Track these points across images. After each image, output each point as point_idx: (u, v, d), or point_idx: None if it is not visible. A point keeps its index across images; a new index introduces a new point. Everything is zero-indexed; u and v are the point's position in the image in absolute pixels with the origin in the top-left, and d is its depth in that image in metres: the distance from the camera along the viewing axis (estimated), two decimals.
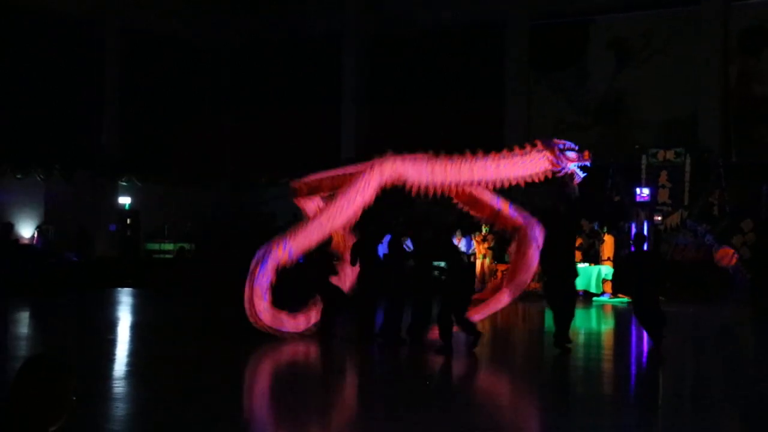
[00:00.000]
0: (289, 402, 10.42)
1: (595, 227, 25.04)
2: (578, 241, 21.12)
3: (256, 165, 34.72)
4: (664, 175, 27.01)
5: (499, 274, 23.58)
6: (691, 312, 20.73)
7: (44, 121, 28.69)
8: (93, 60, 30.81)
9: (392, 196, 14.92)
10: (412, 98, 32.60)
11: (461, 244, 23.97)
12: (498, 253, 24.81)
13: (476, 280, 24.03)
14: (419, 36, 32.69)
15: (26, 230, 28.31)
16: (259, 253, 14.13)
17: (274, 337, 14.33)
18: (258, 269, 13.98)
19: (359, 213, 14.14)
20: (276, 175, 33.80)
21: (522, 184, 14.96)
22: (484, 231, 24.70)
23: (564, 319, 14.00)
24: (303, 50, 34.56)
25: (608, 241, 24.10)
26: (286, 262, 14.11)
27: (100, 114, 31.29)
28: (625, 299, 22.23)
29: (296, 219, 31.17)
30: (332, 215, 14.16)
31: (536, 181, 14.84)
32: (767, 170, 26.66)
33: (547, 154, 14.62)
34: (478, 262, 24.89)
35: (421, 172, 14.81)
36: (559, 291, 14.19)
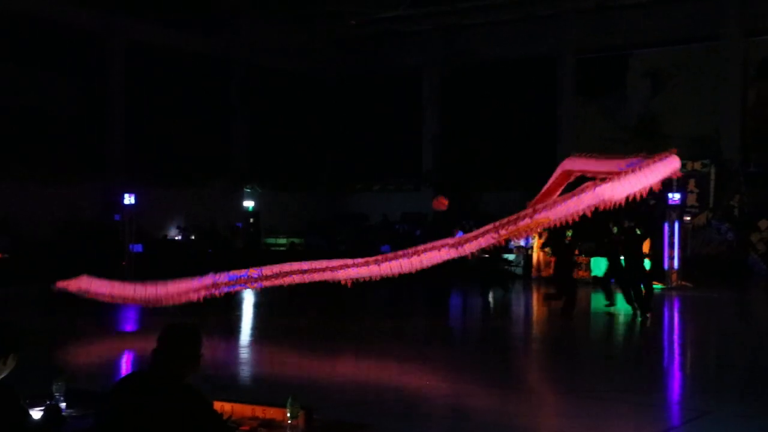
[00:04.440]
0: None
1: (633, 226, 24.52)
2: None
3: (352, 174, 35.09)
4: (692, 182, 26.47)
5: (552, 264, 23.26)
6: (715, 297, 20.23)
7: (184, 141, 29.30)
8: (223, 89, 31.40)
9: None
10: (480, 120, 32.57)
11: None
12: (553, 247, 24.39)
13: (533, 269, 23.84)
14: (486, 68, 32.57)
15: (173, 230, 28.91)
16: None
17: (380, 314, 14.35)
18: None
19: None
20: (369, 183, 34.26)
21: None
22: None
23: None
24: (390, 81, 34.74)
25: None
26: None
27: (229, 134, 31.86)
28: (659, 285, 21.77)
29: (385, 219, 31.70)
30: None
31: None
32: None
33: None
34: (535, 255, 24.58)
35: None
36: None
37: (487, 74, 32.57)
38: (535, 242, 24.74)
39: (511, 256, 22.45)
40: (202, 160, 30.18)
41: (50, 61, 26.14)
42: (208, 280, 11.60)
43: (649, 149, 30.53)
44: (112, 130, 27.88)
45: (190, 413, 3.59)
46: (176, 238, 28.32)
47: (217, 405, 4.20)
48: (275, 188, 32.98)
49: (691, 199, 26.14)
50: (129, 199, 23.50)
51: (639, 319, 14.83)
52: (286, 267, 11.41)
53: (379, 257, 11.07)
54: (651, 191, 10.77)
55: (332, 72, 35.31)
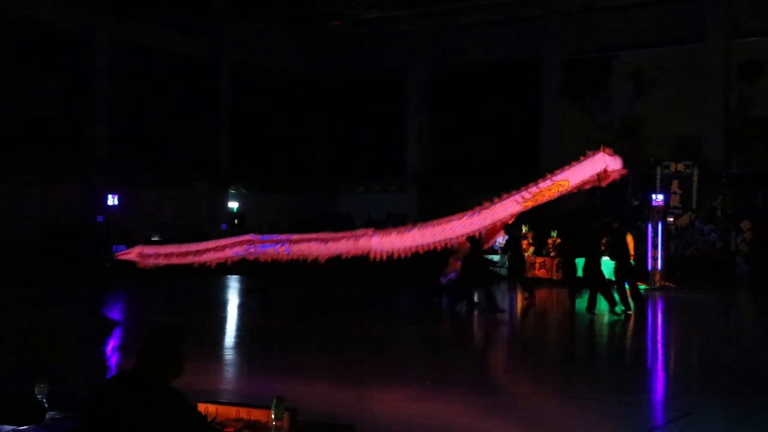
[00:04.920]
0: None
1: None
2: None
3: (338, 175, 35.07)
4: (675, 183, 26.66)
5: (537, 265, 23.41)
6: (698, 297, 20.36)
7: (168, 141, 29.17)
8: (209, 91, 31.30)
9: None
10: (465, 122, 32.66)
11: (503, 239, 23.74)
12: (537, 248, 24.52)
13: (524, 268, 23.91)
14: (471, 69, 32.65)
15: (154, 232, 28.73)
16: None
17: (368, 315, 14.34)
18: None
19: None
20: (353, 184, 34.28)
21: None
22: (524, 229, 24.49)
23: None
24: (375, 82, 34.75)
25: (629, 239, 23.60)
26: None
27: (215, 135, 31.75)
28: (642, 286, 21.87)
29: (370, 220, 31.70)
30: None
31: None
32: (762, 179, 26.38)
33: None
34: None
35: None
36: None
37: (473, 75, 32.65)
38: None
39: (495, 257, 22.47)
40: (187, 160, 30.06)
41: (32, 60, 25.88)
42: (246, 237, 13.92)
43: (632, 150, 31.01)
44: (95, 130, 27.67)
45: (174, 415, 3.58)
46: (155, 239, 28.10)
47: (201, 407, 4.19)
48: (260, 189, 32.92)
49: (675, 200, 26.30)
50: (112, 200, 23.41)
51: (619, 312, 15.31)
52: (322, 235, 13.49)
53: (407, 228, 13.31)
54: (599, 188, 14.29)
55: (318, 72, 35.27)
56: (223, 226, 31.00)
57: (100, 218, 24.31)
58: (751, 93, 28.24)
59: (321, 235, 14.00)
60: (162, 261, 14.50)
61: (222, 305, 18.87)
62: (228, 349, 12.31)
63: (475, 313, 16.14)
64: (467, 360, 11.34)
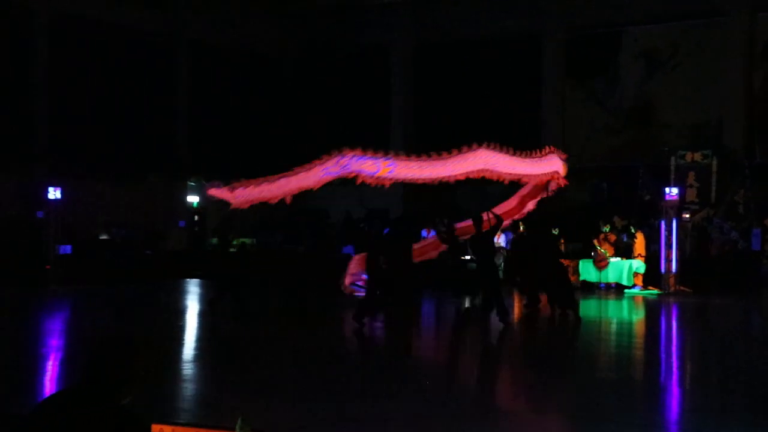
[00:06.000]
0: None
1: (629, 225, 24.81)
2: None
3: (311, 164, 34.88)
4: (691, 175, 26.76)
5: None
6: (717, 304, 20.47)
7: (119, 128, 28.99)
8: (165, 69, 31.13)
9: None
10: (455, 107, 32.60)
11: (501, 239, 23.84)
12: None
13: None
14: (461, 47, 32.63)
15: (102, 230, 28.58)
16: None
17: (329, 321, 14.33)
18: None
19: None
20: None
21: None
22: (521, 228, 24.59)
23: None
24: (352, 61, 34.67)
25: (640, 238, 23.75)
26: None
27: (172, 120, 31.58)
28: (655, 291, 22.03)
29: (348, 216, 31.65)
30: None
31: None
32: None
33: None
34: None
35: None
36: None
37: (463, 53, 32.63)
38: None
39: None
40: (141, 149, 29.89)
41: None
42: (335, 159, 16.13)
43: (643, 139, 31.15)
44: (35, 114, 27.46)
45: None
46: (104, 237, 27.95)
47: (156, 428, 4.15)
48: (224, 182, 32.72)
49: (691, 195, 26.42)
50: (54, 194, 23.22)
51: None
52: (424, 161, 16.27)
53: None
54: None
55: (288, 50, 35.16)
56: (182, 224, 30.88)
57: (39, 214, 24.11)
58: None
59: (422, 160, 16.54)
60: (256, 196, 16.84)
61: (178, 312, 18.78)
62: (187, 362, 12.24)
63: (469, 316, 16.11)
64: (458, 377, 11.35)
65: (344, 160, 16.18)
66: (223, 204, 17.46)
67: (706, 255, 24.12)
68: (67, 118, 27.76)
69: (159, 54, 30.85)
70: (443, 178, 16.58)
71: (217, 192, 17.47)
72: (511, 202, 19.29)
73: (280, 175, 17.00)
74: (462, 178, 16.73)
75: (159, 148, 30.87)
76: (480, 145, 16.51)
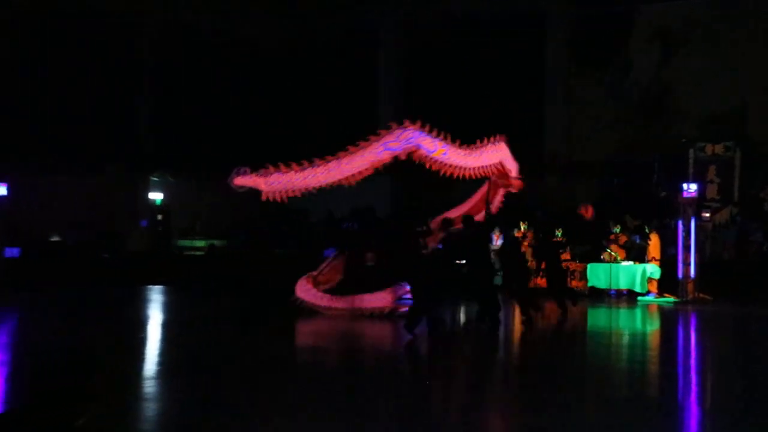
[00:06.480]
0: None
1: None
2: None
3: (290, 159, 34.84)
4: (712, 170, 26.87)
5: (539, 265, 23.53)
6: (741, 313, 20.49)
7: (72, 116, 28.94)
8: (127, 50, 31.10)
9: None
10: (450, 95, 32.65)
11: (499, 240, 23.89)
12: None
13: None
14: (456, 28, 32.69)
15: (55, 228, 28.53)
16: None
17: (303, 331, 14.31)
18: None
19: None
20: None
21: None
22: (523, 228, 24.70)
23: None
24: (340, 45, 34.72)
25: (654, 239, 23.78)
26: None
27: (133, 107, 31.55)
28: (671, 299, 22.04)
29: (330, 216, 31.63)
30: None
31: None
32: None
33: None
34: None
35: None
36: None
37: (459, 35, 32.71)
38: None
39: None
40: (98, 139, 29.82)
41: None
42: (396, 133, 16.58)
43: (658, 129, 31.15)
44: None
45: None
46: (55, 239, 27.90)
47: None
48: (190, 177, 32.72)
49: (712, 191, 26.52)
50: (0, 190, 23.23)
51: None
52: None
53: None
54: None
55: (268, 33, 35.16)
56: (143, 223, 30.87)
57: None
58: None
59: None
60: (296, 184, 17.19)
61: (139, 322, 18.70)
62: (148, 379, 12.15)
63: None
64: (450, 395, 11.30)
65: (407, 133, 16.51)
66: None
67: (743, 258, 24.25)
68: (13, 105, 27.67)
69: (121, 33, 30.80)
70: (477, 168, 17.36)
71: (246, 180, 17.48)
72: (472, 201, 20.04)
73: (320, 160, 17.57)
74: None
75: (119, 138, 30.80)
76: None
